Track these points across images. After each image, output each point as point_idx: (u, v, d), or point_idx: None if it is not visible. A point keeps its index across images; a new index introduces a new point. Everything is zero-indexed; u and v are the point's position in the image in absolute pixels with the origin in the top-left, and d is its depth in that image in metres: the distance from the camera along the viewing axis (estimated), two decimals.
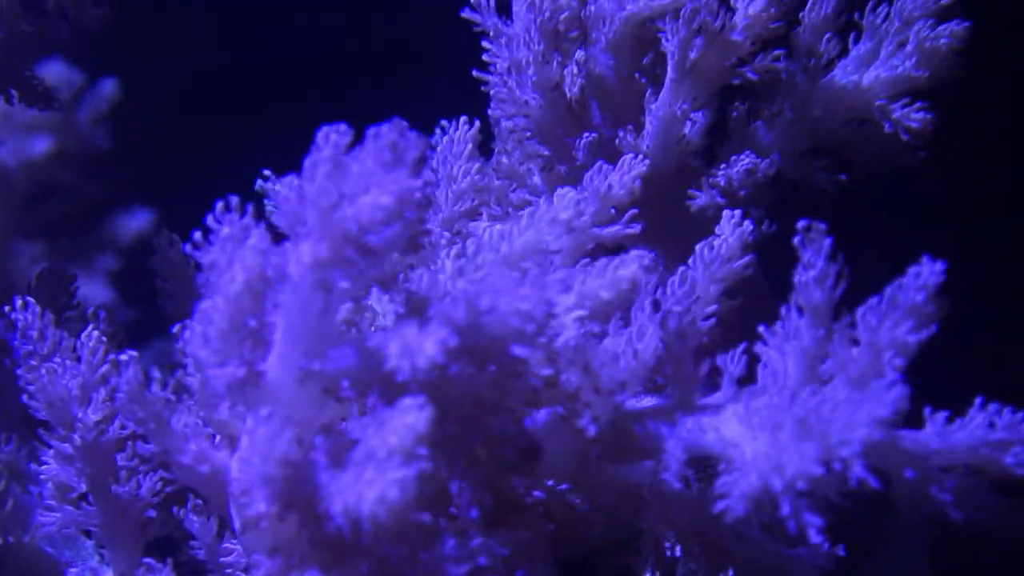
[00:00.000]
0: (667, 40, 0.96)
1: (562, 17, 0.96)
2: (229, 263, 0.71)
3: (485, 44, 0.99)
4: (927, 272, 0.70)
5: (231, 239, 0.71)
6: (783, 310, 0.73)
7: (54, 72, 1.85)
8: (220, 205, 0.72)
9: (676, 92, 0.96)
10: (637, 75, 0.99)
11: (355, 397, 0.71)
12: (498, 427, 0.71)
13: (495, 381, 0.71)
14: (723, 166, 0.98)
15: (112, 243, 2.04)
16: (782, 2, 0.94)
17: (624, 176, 0.86)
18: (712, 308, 0.81)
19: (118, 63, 1.94)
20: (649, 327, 0.77)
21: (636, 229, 0.85)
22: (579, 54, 0.99)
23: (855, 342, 0.71)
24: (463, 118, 1.02)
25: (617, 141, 0.96)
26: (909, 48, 0.98)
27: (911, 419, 0.71)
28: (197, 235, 0.72)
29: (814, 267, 0.71)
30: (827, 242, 0.71)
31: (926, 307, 0.70)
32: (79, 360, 0.89)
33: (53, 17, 1.02)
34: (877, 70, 0.99)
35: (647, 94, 0.97)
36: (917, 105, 0.98)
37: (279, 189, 0.72)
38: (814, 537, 0.65)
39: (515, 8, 0.97)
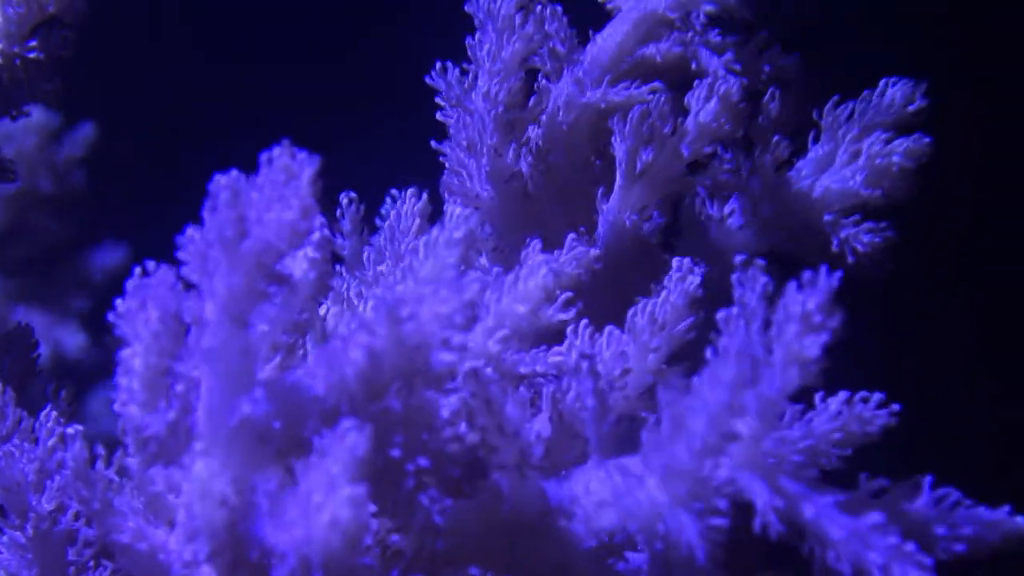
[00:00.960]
0: (617, 145, 0.94)
1: (517, 110, 0.95)
2: (142, 304, 0.71)
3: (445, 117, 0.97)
4: (823, 278, 0.64)
5: (142, 286, 0.72)
6: (708, 353, 0.69)
7: (33, 116, 1.87)
8: (138, 270, 0.72)
9: (625, 199, 0.95)
10: (595, 161, 0.98)
11: (291, 436, 0.69)
12: (437, 445, 0.70)
13: (424, 395, 0.70)
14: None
15: (84, 281, 2.05)
16: (735, 109, 0.91)
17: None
18: (648, 380, 0.80)
19: (91, 105, 1.96)
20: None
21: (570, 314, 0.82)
22: (535, 136, 0.98)
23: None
24: (411, 191, 1.01)
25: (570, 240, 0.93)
26: (860, 162, 0.93)
27: None
28: (118, 302, 0.73)
29: (748, 304, 0.67)
30: (763, 281, 0.67)
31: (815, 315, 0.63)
32: (36, 442, 0.88)
33: (10, 90, 1.03)
34: (829, 179, 0.94)
35: (599, 192, 0.96)
36: (867, 226, 0.93)
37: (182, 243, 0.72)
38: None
39: (477, 88, 0.95)
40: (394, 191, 1.11)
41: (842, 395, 0.70)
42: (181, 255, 0.70)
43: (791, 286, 0.65)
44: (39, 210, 1.99)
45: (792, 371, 0.64)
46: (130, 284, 0.72)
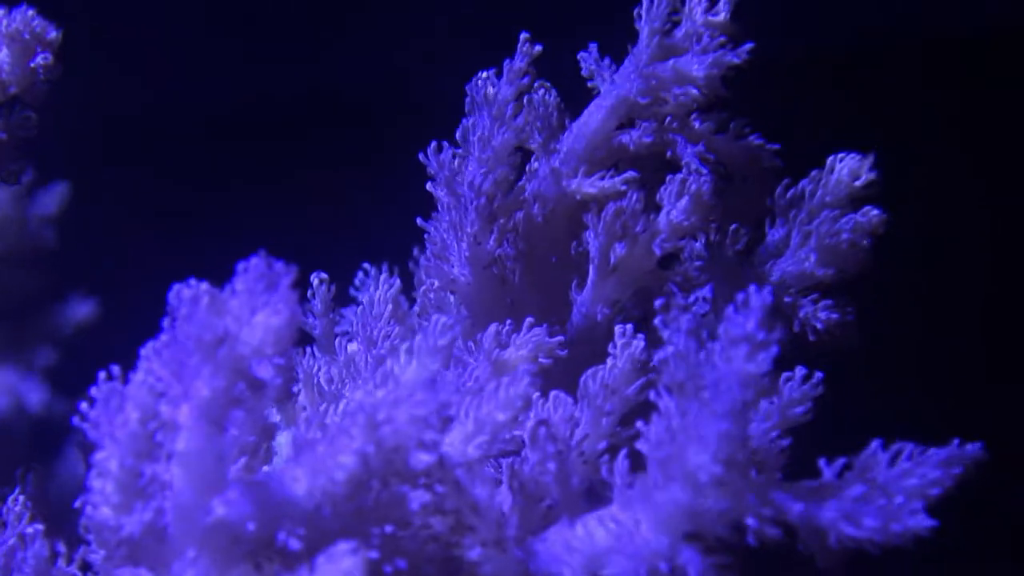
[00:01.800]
0: (590, 240, 0.95)
1: (501, 199, 0.96)
2: (120, 407, 0.72)
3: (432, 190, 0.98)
4: (754, 297, 0.67)
5: (115, 391, 0.73)
6: (652, 395, 0.73)
7: None
8: (103, 375, 0.74)
9: (597, 294, 0.96)
10: (573, 247, 0.99)
11: (264, 538, 0.71)
12: (415, 546, 0.72)
13: (399, 498, 0.72)
14: None
15: (52, 335, 2.05)
16: (706, 206, 0.92)
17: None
18: (603, 444, 0.82)
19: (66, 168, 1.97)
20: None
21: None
22: (515, 223, 0.98)
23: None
24: (383, 275, 1.03)
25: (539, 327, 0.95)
26: (812, 242, 0.93)
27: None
28: (83, 406, 0.74)
29: (674, 343, 0.71)
30: (686, 318, 0.71)
31: (758, 333, 0.67)
32: (4, 526, 0.89)
33: None
34: (785, 263, 0.95)
35: (574, 283, 0.97)
36: (825, 303, 0.94)
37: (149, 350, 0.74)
38: None
39: (466, 174, 0.95)
40: (366, 266, 1.14)
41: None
42: (148, 362, 0.72)
43: (729, 310, 0.68)
44: (11, 265, 1.99)
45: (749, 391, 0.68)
46: (100, 390, 0.73)
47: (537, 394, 0.81)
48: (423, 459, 0.70)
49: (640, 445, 0.74)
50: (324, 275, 1.09)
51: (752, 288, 0.67)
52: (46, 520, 0.91)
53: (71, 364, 2.02)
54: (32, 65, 1.02)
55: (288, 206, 2.12)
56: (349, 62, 2.12)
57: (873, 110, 1.84)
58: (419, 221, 1.00)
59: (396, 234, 1.12)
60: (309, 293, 1.09)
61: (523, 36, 0.95)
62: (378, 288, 1.00)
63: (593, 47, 0.98)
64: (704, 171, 0.94)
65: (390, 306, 0.99)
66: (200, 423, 0.70)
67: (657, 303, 0.72)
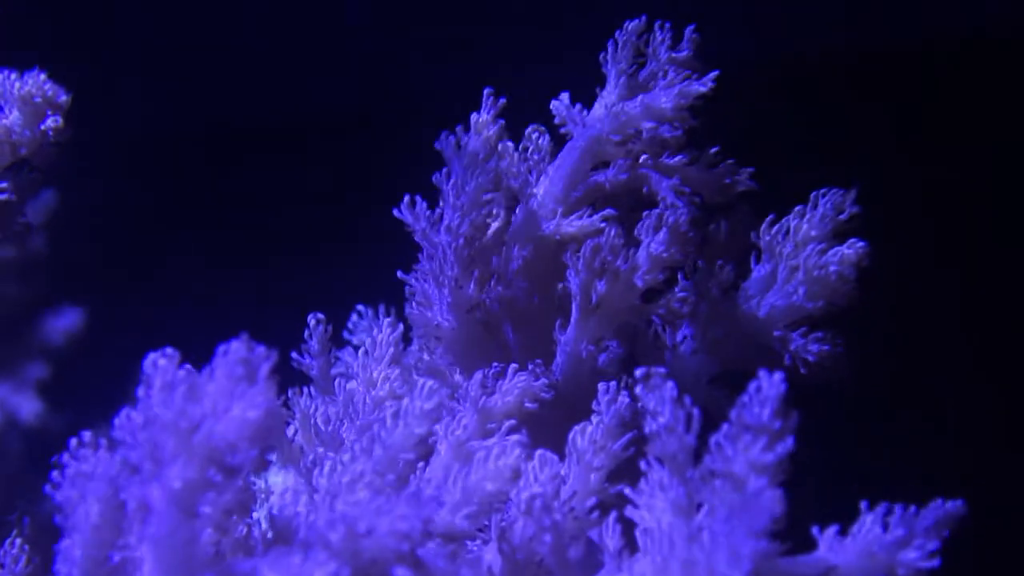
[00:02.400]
0: (571, 278, 0.95)
1: (479, 242, 0.96)
2: (82, 496, 0.73)
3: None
4: (767, 386, 0.67)
5: (82, 475, 0.73)
6: (643, 465, 0.73)
7: None
8: (74, 441, 0.74)
9: (582, 331, 0.96)
10: (555, 288, 0.98)
11: None
12: None
13: None
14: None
15: (41, 347, 2.04)
16: (684, 238, 0.92)
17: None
18: (592, 501, 0.82)
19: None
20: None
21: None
22: (495, 266, 0.98)
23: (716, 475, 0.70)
24: (389, 318, 1.04)
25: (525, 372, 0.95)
26: (800, 276, 0.94)
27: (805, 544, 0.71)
28: (55, 474, 0.74)
29: (662, 414, 0.71)
30: (669, 386, 0.70)
31: (773, 423, 0.67)
32: (2, 566, 0.90)
33: None
34: (774, 297, 0.95)
35: (557, 323, 0.97)
36: (815, 336, 0.94)
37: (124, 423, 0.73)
38: None
39: (442, 222, 0.96)
40: (360, 308, 1.13)
41: None
42: (121, 435, 0.71)
43: (741, 400, 0.67)
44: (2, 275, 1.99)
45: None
46: (69, 470, 0.73)
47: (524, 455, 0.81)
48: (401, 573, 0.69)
49: (632, 515, 0.73)
50: (321, 315, 1.09)
51: (764, 374, 0.67)
52: (39, 538, 0.93)
53: (62, 373, 2.03)
54: (42, 128, 1.04)
55: (289, 210, 2.13)
56: (352, 88, 2.13)
57: (839, 126, 1.86)
58: (399, 274, 1.01)
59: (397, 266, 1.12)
60: (306, 333, 1.09)
61: (487, 91, 0.97)
62: (381, 331, 1.00)
63: (565, 95, 1.00)
64: (680, 204, 0.95)
65: (391, 349, 1.00)
66: (171, 508, 0.69)
67: (638, 372, 0.70)
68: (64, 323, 2.04)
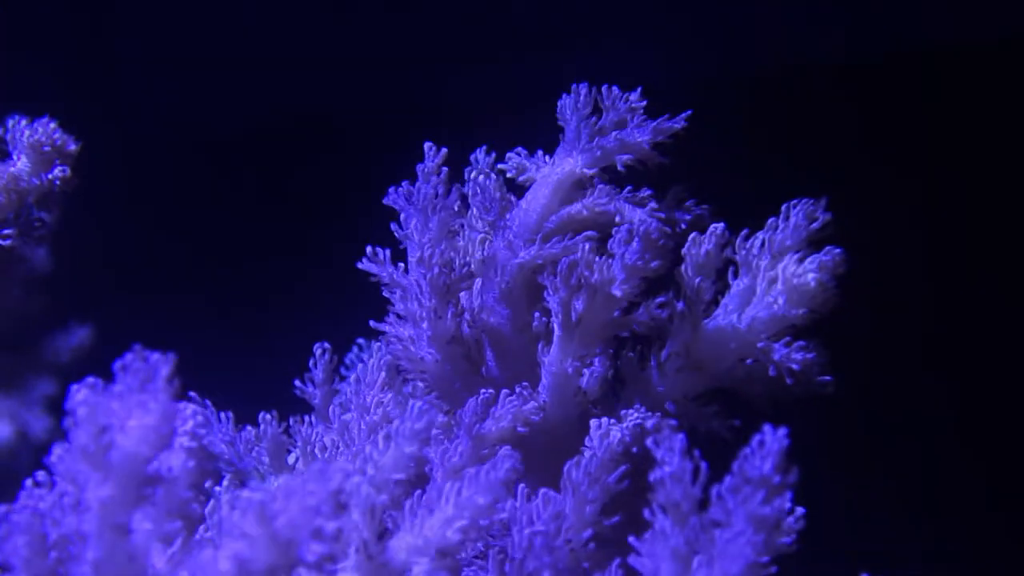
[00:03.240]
0: (550, 298, 0.96)
1: (454, 272, 0.97)
2: (9, 533, 0.75)
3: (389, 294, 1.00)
4: (770, 440, 0.69)
5: (5, 516, 0.75)
6: (646, 513, 0.74)
7: None
8: (29, 482, 0.76)
9: (565, 350, 0.96)
10: (536, 316, 0.99)
11: None
12: None
13: None
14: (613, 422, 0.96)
15: (49, 364, 2.07)
16: (657, 246, 0.92)
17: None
18: (588, 533, 0.84)
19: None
20: None
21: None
22: (474, 302, 1.00)
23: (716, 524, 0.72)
24: (376, 345, 1.05)
25: (514, 396, 0.96)
26: (779, 286, 0.94)
27: None
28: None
29: (669, 464, 0.72)
30: (679, 438, 0.72)
31: (774, 477, 0.69)
32: None
33: None
34: (754, 310, 0.95)
35: (540, 346, 0.98)
36: (799, 344, 0.95)
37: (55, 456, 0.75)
38: None
39: (408, 258, 0.98)
40: (361, 341, 1.15)
41: None
42: (52, 468, 0.74)
43: (745, 449, 0.70)
44: (5, 290, 2.01)
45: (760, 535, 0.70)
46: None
47: (522, 487, 0.83)
48: (319, 550, 0.68)
49: (635, 563, 0.75)
50: (327, 344, 1.10)
51: (768, 429, 0.69)
52: None
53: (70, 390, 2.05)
54: (50, 177, 1.05)
55: (288, 220, 2.14)
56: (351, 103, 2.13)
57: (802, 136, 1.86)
58: (372, 323, 1.02)
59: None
60: (312, 363, 1.11)
61: (426, 145, 0.99)
62: (373, 357, 1.01)
63: (522, 150, 1.02)
64: (648, 219, 0.95)
65: (383, 374, 1.01)
66: (104, 530, 0.71)
67: (649, 423, 0.72)
68: (72, 340, 2.06)
